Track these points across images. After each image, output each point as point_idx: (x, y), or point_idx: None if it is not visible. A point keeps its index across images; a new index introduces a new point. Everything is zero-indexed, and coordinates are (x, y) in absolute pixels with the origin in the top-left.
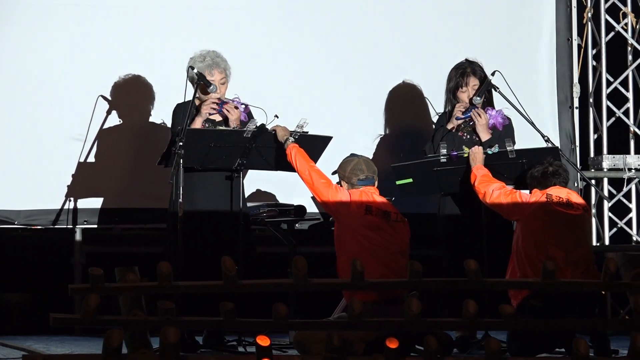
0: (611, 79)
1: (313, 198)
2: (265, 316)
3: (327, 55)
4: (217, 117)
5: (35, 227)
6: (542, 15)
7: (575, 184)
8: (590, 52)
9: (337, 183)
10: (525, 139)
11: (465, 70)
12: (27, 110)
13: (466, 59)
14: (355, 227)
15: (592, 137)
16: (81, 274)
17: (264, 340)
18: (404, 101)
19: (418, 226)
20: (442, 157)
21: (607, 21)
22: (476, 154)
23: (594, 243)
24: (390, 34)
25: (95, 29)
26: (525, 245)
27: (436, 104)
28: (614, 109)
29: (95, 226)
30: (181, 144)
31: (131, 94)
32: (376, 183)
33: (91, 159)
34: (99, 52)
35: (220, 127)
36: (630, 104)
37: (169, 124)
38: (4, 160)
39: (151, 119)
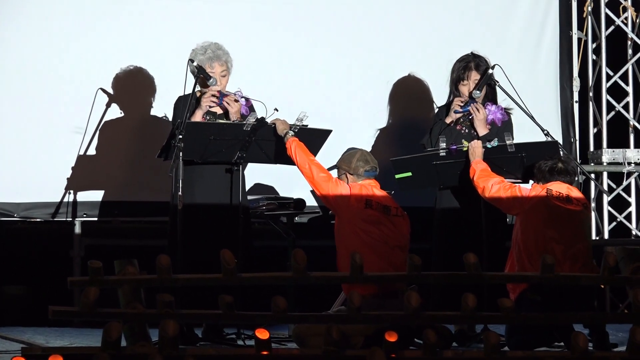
0: (611, 73)
1: (312, 191)
2: (265, 309)
3: (328, 48)
4: (218, 110)
5: (35, 219)
6: (544, 9)
7: (576, 178)
8: (590, 46)
9: (338, 177)
10: (525, 133)
11: (468, 64)
12: (27, 102)
13: (472, 52)
14: (354, 221)
15: (592, 131)
16: (80, 266)
17: (263, 334)
18: (406, 95)
19: (417, 220)
20: (441, 150)
21: (607, 15)
22: (475, 148)
23: (594, 237)
24: (393, 27)
25: (96, 21)
26: (524, 239)
27: (440, 99)
28: (614, 103)
29: (95, 219)
30: (181, 136)
31: (132, 87)
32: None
33: (91, 151)
34: (99, 44)
35: (220, 121)
36: (630, 98)
37: (170, 117)
38: (4, 152)
39: (152, 112)
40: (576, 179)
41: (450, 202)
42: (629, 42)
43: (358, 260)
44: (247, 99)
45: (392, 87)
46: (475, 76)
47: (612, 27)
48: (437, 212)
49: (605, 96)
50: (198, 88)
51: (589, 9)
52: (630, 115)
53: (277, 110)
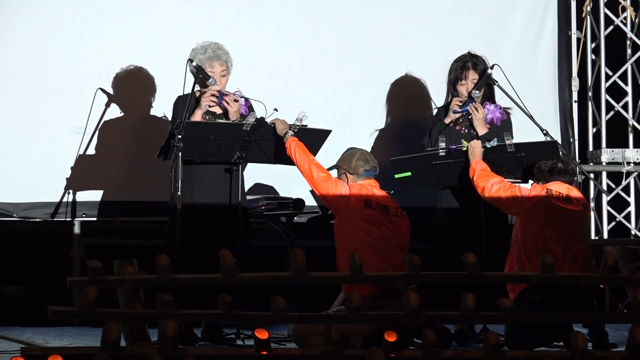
0: (610, 73)
1: (312, 191)
2: (264, 309)
3: (327, 48)
4: (218, 110)
5: (34, 219)
6: (543, 8)
7: (575, 178)
8: (590, 46)
9: (338, 177)
10: (525, 133)
11: (465, 64)
12: (26, 102)
13: (469, 52)
14: (354, 220)
15: (591, 131)
16: (80, 266)
17: (262, 333)
18: (405, 94)
19: (416, 219)
20: (440, 150)
21: (606, 15)
22: (475, 148)
23: (593, 237)
24: (392, 26)
25: (96, 21)
26: (524, 239)
27: (438, 98)
28: (613, 102)
29: (94, 219)
30: (180, 136)
31: (132, 87)
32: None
33: (90, 151)
34: (99, 44)
35: (220, 120)
36: (629, 98)
37: (170, 117)
38: (3, 152)
39: (152, 112)
40: (575, 178)
41: (452, 202)
42: (628, 42)
43: (357, 260)
44: (246, 99)
45: (390, 87)
46: (472, 76)
47: (611, 27)
48: (438, 211)
49: (604, 96)
50: (197, 88)
51: (588, 8)
52: (629, 115)
53: (276, 110)
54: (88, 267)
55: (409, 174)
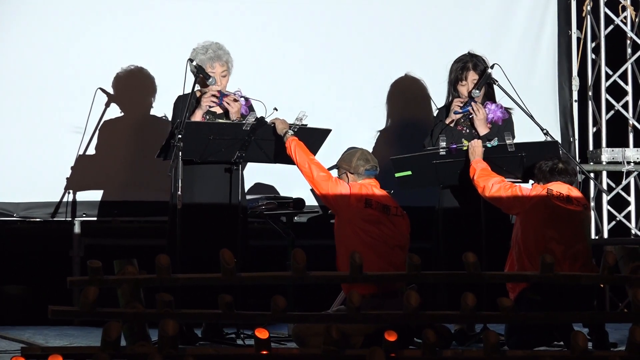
0: (610, 72)
1: (312, 191)
2: (264, 309)
3: (327, 48)
4: (218, 110)
5: (34, 219)
6: (543, 8)
7: (575, 178)
8: (590, 46)
9: (338, 177)
10: (525, 133)
11: (465, 64)
12: (26, 102)
13: (469, 52)
14: (354, 220)
15: (591, 130)
16: (80, 266)
17: (262, 333)
18: (405, 94)
19: (417, 219)
20: (441, 149)
21: (606, 14)
22: (475, 148)
23: (593, 236)
24: (392, 26)
25: (96, 20)
26: (524, 238)
27: (438, 98)
28: (613, 102)
29: (94, 219)
30: (180, 136)
31: (132, 87)
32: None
33: (91, 151)
34: (99, 44)
35: (220, 120)
36: (629, 97)
37: (170, 117)
38: (3, 152)
39: (152, 112)
40: (576, 178)
41: (452, 202)
42: (628, 42)
43: (358, 260)
44: (246, 99)
45: (390, 87)
46: (473, 76)
47: (611, 26)
48: (438, 211)
49: (604, 95)
50: (198, 88)
51: (588, 8)
52: (629, 115)
53: (276, 110)
54: (88, 267)
55: (409, 173)
